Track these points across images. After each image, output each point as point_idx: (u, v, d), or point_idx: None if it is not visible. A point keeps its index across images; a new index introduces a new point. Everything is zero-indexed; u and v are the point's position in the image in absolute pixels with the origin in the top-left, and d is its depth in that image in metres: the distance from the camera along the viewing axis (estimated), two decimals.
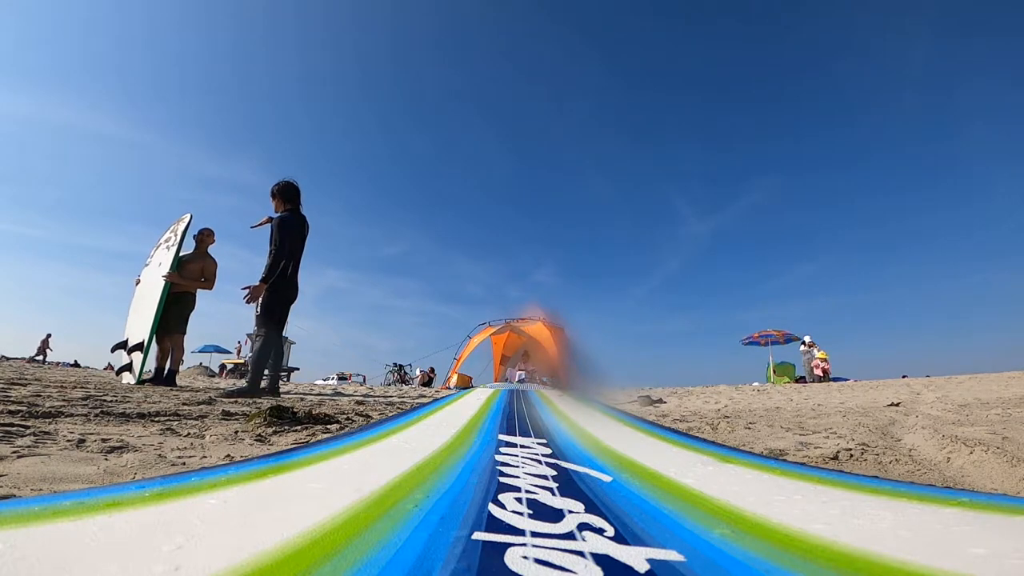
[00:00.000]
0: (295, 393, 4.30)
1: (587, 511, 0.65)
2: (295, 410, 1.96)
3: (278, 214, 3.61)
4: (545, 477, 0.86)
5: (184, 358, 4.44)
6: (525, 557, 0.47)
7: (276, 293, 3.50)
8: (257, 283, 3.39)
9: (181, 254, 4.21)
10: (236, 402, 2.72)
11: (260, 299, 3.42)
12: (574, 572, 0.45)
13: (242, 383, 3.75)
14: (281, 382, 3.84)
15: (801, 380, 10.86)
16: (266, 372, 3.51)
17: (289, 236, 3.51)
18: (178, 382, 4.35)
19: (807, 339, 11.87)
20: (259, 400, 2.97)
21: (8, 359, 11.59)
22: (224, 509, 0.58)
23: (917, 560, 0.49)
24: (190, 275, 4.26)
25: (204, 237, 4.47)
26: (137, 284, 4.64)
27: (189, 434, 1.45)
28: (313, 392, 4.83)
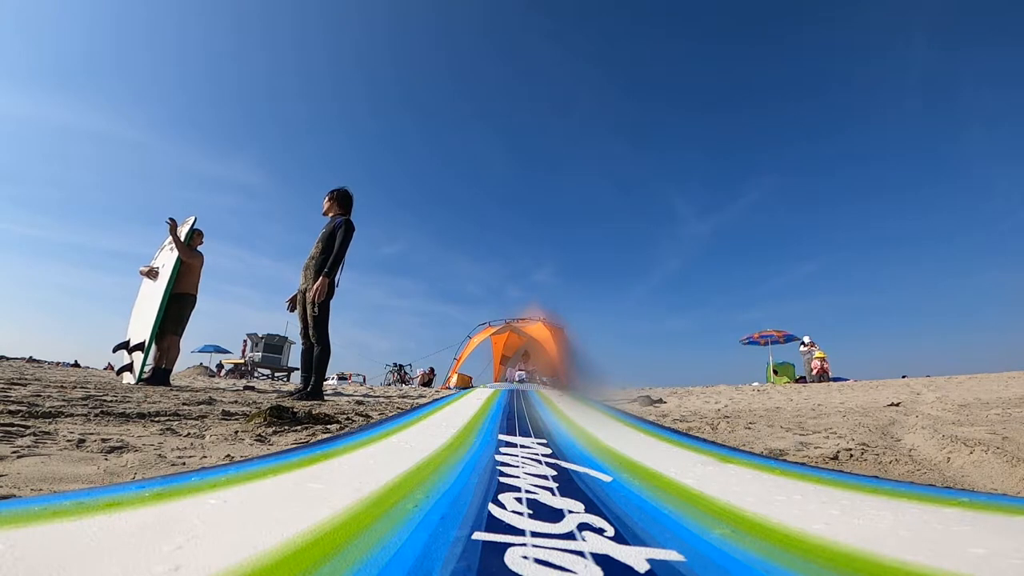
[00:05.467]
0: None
1: (587, 511, 0.65)
2: (295, 410, 1.96)
3: (337, 217, 3.69)
4: (545, 477, 0.86)
5: (180, 358, 4.46)
6: (525, 557, 0.47)
7: (329, 299, 3.57)
8: (320, 279, 3.44)
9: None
10: (236, 402, 2.72)
11: (318, 301, 3.46)
12: (574, 572, 0.45)
13: (239, 382, 3.75)
14: (284, 382, 3.88)
15: (801, 380, 10.85)
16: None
17: (350, 240, 3.62)
18: (179, 382, 4.36)
19: (807, 339, 11.86)
20: (259, 400, 2.98)
21: (8, 359, 11.58)
22: (224, 509, 0.58)
23: (917, 560, 0.49)
24: (183, 275, 4.30)
25: (194, 237, 4.54)
26: (146, 275, 4.62)
27: (189, 434, 1.45)
28: None
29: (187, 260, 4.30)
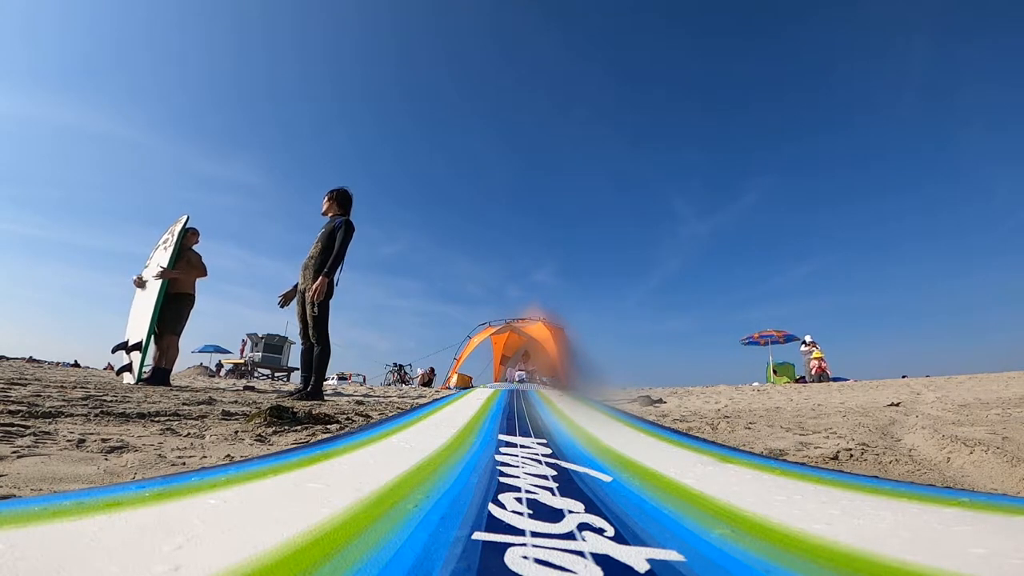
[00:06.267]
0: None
1: (587, 511, 0.65)
2: (295, 410, 1.96)
3: (336, 217, 3.69)
4: (545, 477, 0.86)
5: (180, 358, 4.47)
6: (525, 557, 0.47)
7: (328, 299, 3.58)
8: (320, 279, 3.44)
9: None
10: (236, 402, 2.72)
11: (318, 301, 3.46)
12: (574, 572, 0.45)
13: (239, 382, 3.75)
14: (284, 382, 3.90)
15: (800, 380, 10.85)
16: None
17: (350, 240, 3.62)
18: (179, 382, 4.37)
19: (808, 338, 11.84)
20: (259, 400, 2.98)
21: (8, 359, 11.57)
22: (224, 509, 0.58)
23: (917, 560, 0.48)
24: (185, 271, 4.30)
25: (188, 236, 4.53)
26: (136, 284, 4.65)
27: (189, 434, 1.45)
28: None
29: (180, 276, 4.32)
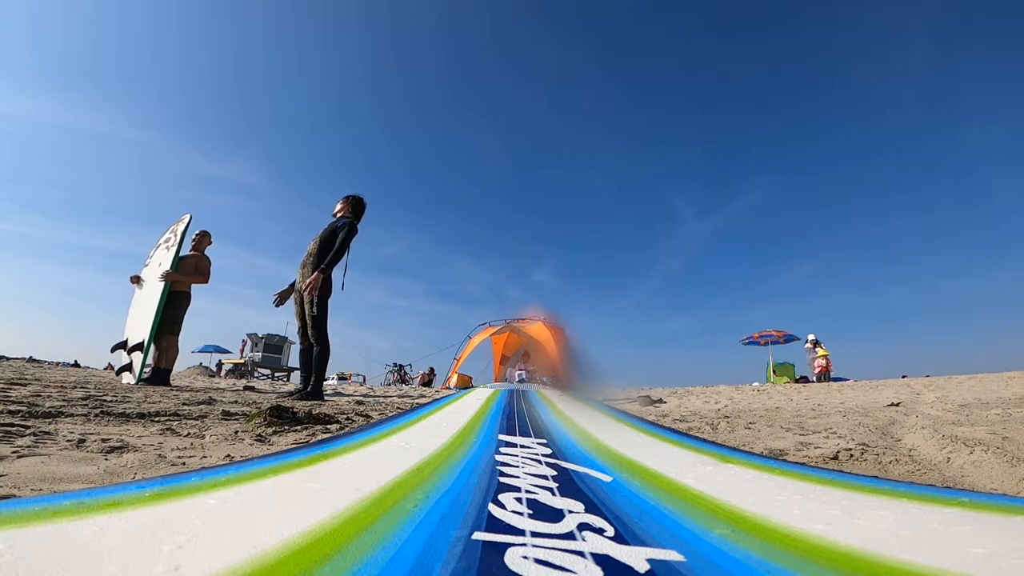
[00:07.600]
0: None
1: (587, 511, 0.65)
2: (295, 410, 1.96)
3: (343, 218, 3.71)
4: (545, 477, 0.86)
5: (180, 358, 4.47)
6: (525, 557, 0.47)
7: (327, 298, 3.58)
8: (315, 273, 3.44)
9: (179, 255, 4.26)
10: (236, 402, 2.72)
11: (315, 297, 3.46)
12: (574, 572, 0.45)
13: (239, 382, 3.75)
14: (284, 382, 3.89)
15: (803, 380, 10.83)
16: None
17: (351, 240, 3.64)
18: (179, 382, 4.36)
19: (812, 337, 11.79)
20: (259, 400, 2.98)
21: (8, 359, 11.57)
22: (224, 509, 0.58)
23: (917, 560, 0.48)
24: (185, 271, 4.30)
25: (201, 239, 4.54)
26: (133, 282, 4.65)
27: (189, 434, 1.45)
28: None
29: (187, 278, 4.32)
